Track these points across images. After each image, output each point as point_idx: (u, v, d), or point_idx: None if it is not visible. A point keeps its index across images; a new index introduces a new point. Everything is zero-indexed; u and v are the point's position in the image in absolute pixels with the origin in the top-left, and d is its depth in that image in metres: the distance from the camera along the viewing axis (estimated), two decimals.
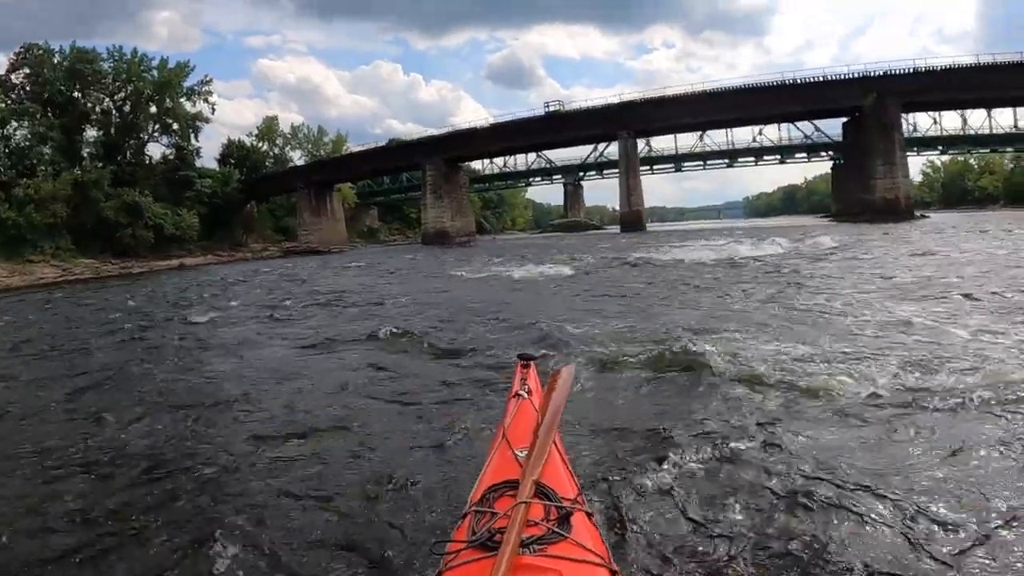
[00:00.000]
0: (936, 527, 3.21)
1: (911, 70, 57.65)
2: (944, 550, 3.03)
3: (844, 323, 8.85)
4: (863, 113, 58.41)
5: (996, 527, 3.18)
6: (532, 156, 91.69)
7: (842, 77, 59.10)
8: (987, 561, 2.95)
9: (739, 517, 3.46)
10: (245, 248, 70.01)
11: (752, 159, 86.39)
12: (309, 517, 3.92)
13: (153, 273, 45.10)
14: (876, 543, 3.13)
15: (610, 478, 4.03)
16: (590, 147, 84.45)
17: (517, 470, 2.44)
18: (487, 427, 4.96)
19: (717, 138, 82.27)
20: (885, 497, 3.52)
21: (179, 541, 3.69)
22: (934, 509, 3.36)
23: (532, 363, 3.79)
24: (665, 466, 4.12)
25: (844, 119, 66.34)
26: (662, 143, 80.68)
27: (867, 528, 3.26)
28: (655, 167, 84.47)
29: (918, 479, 3.74)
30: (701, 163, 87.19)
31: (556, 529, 2.05)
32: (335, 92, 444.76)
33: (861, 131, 59.20)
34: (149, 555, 3.58)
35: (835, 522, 3.32)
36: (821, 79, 59.60)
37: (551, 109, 69.26)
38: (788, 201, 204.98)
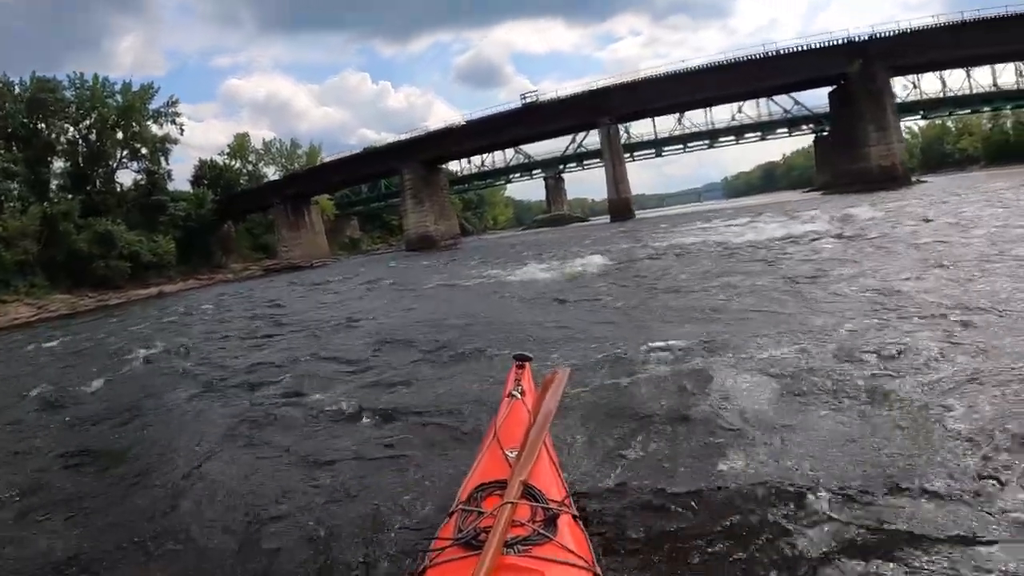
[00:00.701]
0: None
1: (896, 32, 55.96)
2: None
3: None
4: (849, 80, 56.93)
5: None
6: (511, 153, 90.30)
7: (825, 45, 57.31)
8: None
9: (728, 524, 3.36)
10: (225, 269, 68.57)
11: (733, 138, 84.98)
12: (293, 513, 4.00)
13: (130, 304, 43.49)
14: (877, 552, 2.98)
15: (599, 481, 4.01)
16: (568, 139, 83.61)
17: (506, 470, 2.51)
18: (479, 425, 4.97)
19: (696, 119, 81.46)
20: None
21: (174, 539, 3.84)
22: None
23: (527, 363, 3.90)
24: (656, 472, 4.06)
25: (829, 88, 64.60)
26: (641, 128, 79.43)
27: (866, 536, 3.12)
28: (635, 154, 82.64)
29: None
30: (681, 146, 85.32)
31: (541, 531, 2.13)
32: (304, 106, 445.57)
33: (849, 99, 57.61)
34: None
35: (829, 527, 3.23)
36: (803, 48, 57.78)
37: (527, 101, 67.17)
38: (767, 179, 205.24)
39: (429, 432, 5.39)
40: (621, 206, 63.44)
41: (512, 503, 2.16)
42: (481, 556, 1.85)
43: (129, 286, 53.41)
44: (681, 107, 71.93)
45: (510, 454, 2.70)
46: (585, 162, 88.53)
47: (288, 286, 31.40)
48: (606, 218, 67.68)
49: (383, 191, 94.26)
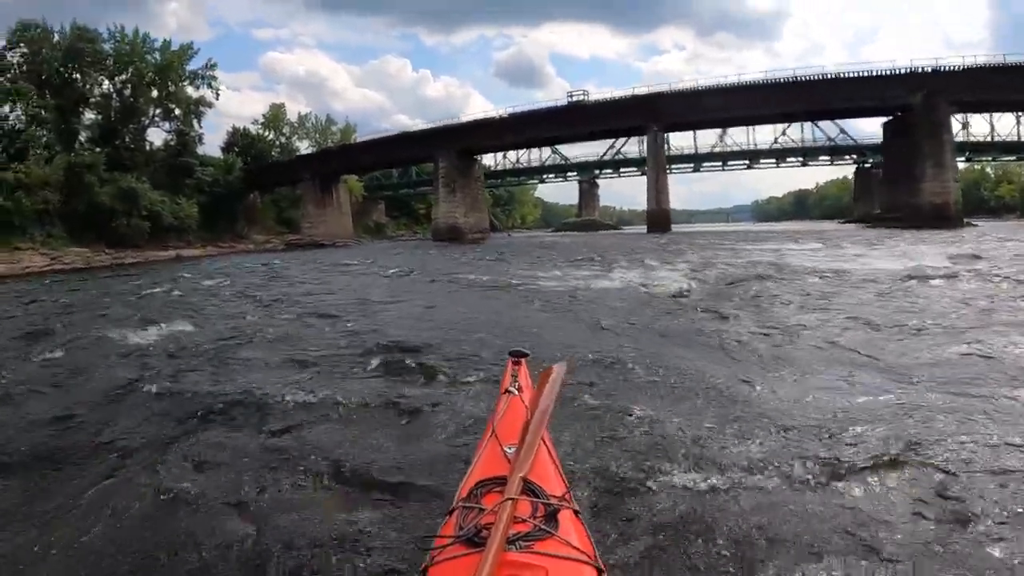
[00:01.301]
0: None
1: (962, 68, 53.98)
2: None
3: None
4: (910, 112, 54.80)
5: None
6: (546, 152, 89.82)
7: (888, 73, 55.32)
8: None
9: (731, 518, 3.45)
10: (247, 240, 67.41)
11: (774, 161, 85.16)
12: (293, 511, 3.91)
13: (147, 264, 42.45)
14: (872, 550, 3.11)
15: (599, 476, 4.06)
16: (606, 145, 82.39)
17: (506, 466, 2.48)
18: (477, 422, 4.99)
19: (738, 138, 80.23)
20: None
21: (171, 536, 3.72)
22: None
23: (524, 359, 3.76)
24: (656, 466, 4.13)
25: (884, 119, 62.74)
26: (680, 141, 77.70)
27: (863, 536, 3.23)
28: (673, 167, 79.88)
29: None
30: (720, 163, 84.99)
31: (543, 526, 2.10)
32: (343, 86, 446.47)
33: (905, 132, 55.53)
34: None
35: (829, 523, 3.36)
36: (865, 75, 55.77)
37: (574, 99, 65.27)
38: (798, 206, 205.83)
39: (428, 431, 5.30)
40: (660, 218, 61.75)
41: (513, 499, 2.11)
42: (484, 553, 1.82)
43: (148, 246, 51.96)
44: (732, 122, 70.32)
45: (509, 450, 2.65)
46: (622, 170, 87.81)
47: (307, 265, 29.62)
48: (639, 228, 66.42)
49: (414, 178, 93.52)
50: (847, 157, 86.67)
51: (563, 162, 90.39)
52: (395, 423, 5.56)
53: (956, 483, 3.89)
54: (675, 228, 64.98)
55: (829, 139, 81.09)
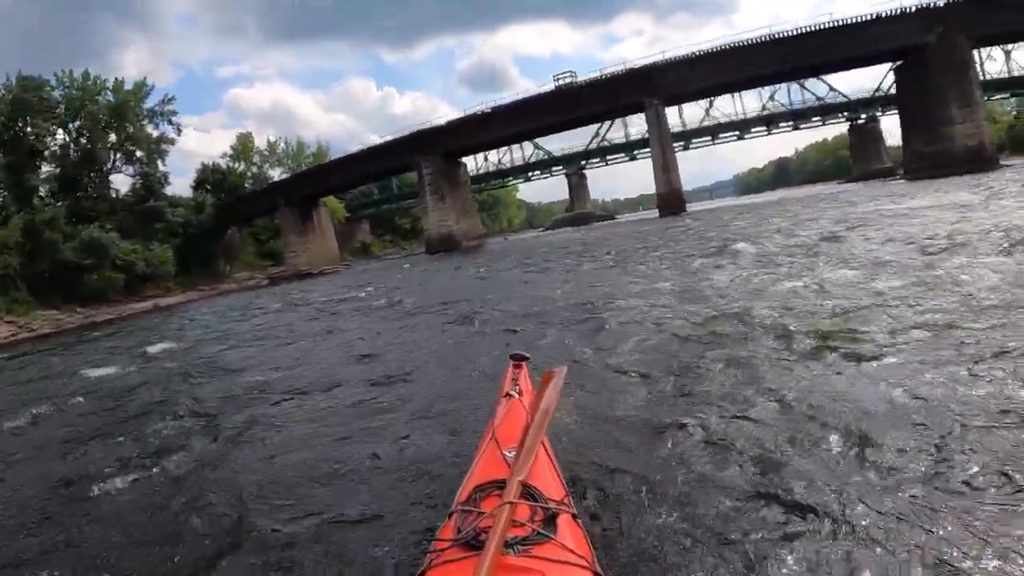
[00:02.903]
0: None
1: None
2: None
3: None
4: (925, 53, 49.83)
5: None
6: (528, 150, 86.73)
7: (895, 13, 50.27)
8: None
9: (730, 523, 3.40)
10: (228, 279, 63.81)
11: (764, 128, 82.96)
12: (293, 514, 4.03)
13: (121, 320, 38.69)
14: (886, 553, 2.99)
15: (598, 481, 4.05)
16: (589, 135, 79.93)
17: (505, 470, 2.53)
18: (476, 425, 4.89)
19: (725, 109, 78.09)
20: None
21: (170, 537, 3.95)
22: None
23: (524, 363, 3.93)
24: (654, 470, 4.11)
25: (893, 64, 58.77)
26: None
27: (866, 542, 3.10)
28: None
29: None
30: (710, 137, 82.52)
31: (541, 530, 2.14)
32: (310, 113, 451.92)
33: (923, 74, 50.71)
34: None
35: (829, 527, 3.25)
36: (871, 17, 50.59)
37: (561, 83, 60.11)
38: (780, 175, 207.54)
39: (427, 433, 5.41)
40: (672, 198, 56.74)
41: (511, 503, 2.16)
42: (481, 557, 1.85)
43: (124, 299, 48.83)
44: (734, 86, 65.82)
45: (508, 454, 2.69)
46: (609, 157, 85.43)
47: (279, 309, 24.07)
48: (646, 213, 62.46)
49: (395, 192, 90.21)
50: (840, 115, 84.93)
51: (547, 157, 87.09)
52: (394, 425, 5.69)
53: None
54: (690, 207, 60.80)
55: (818, 99, 79.19)
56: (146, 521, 4.39)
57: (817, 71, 62.14)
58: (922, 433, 4.12)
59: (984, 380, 4.88)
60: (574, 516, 2.41)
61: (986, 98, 57.46)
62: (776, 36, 52.87)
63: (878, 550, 2.99)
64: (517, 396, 3.43)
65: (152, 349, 15.86)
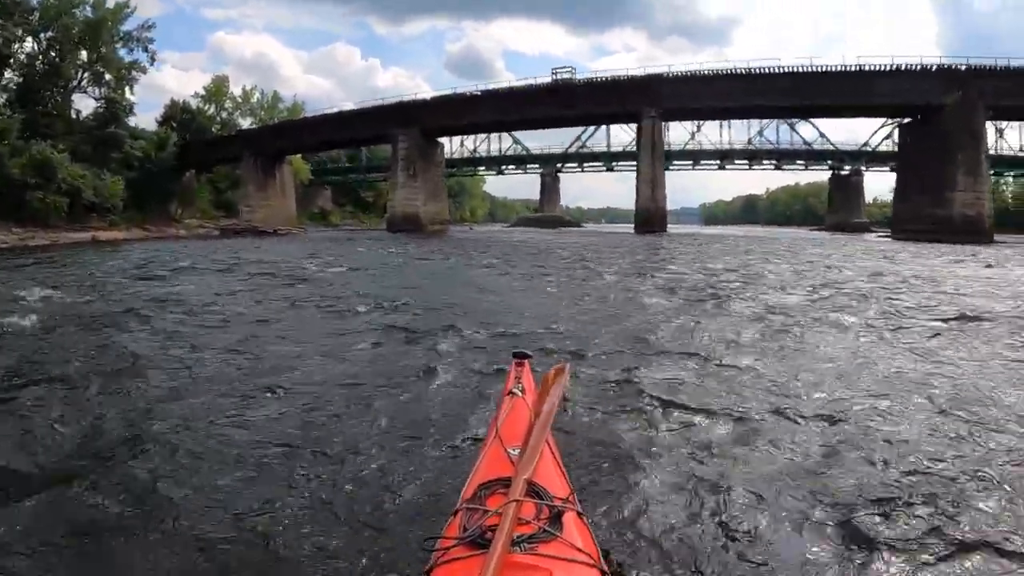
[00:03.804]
0: None
1: (1005, 68, 47.82)
2: None
3: None
4: (938, 113, 48.73)
5: None
6: (506, 142, 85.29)
7: (916, 68, 49.29)
8: None
9: (734, 521, 3.47)
10: (179, 224, 61.20)
11: (747, 162, 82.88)
12: (295, 512, 3.88)
13: (55, 247, 36.23)
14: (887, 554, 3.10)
15: (603, 478, 4.07)
16: (571, 137, 78.56)
17: (510, 468, 2.53)
18: (480, 424, 5.02)
19: (711, 136, 77.44)
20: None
21: (172, 537, 3.64)
22: None
23: (527, 360, 3.90)
24: (660, 468, 4.16)
25: (902, 121, 57.35)
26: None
27: (868, 543, 3.21)
28: (617, 164, 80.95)
29: None
30: (692, 162, 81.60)
31: (547, 528, 2.13)
32: (291, 72, 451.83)
33: (932, 135, 49.47)
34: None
35: (831, 525, 3.37)
36: (893, 68, 49.50)
37: (559, 78, 57.75)
38: (747, 211, 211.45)
39: (431, 432, 5.16)
40: (654, 215, 55.14)
41: (517, 501, 2.16)
42: (488, 554, 1.85)
43: (64, 226, 45.91)
44: (736, 113, 64.13)
45: (513, 452, 2.70)
46: (586, 165, 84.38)
47: (235, 264, 21.81)
48: (614, 226, 61.02)
49: (364, 163, 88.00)
50: (824, 163, 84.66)
51: (526, 153, 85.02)
52: (400, 423, 5.41)
53: None
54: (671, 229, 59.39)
55: (806, 143, 78.57)
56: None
57: (828, 112, 60.66)
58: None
59: None
60: (580, 514, 2.37)
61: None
62: (792, 70, 51.49)
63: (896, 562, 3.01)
64: (520, 394, 3.37)
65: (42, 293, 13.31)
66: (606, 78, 56.44)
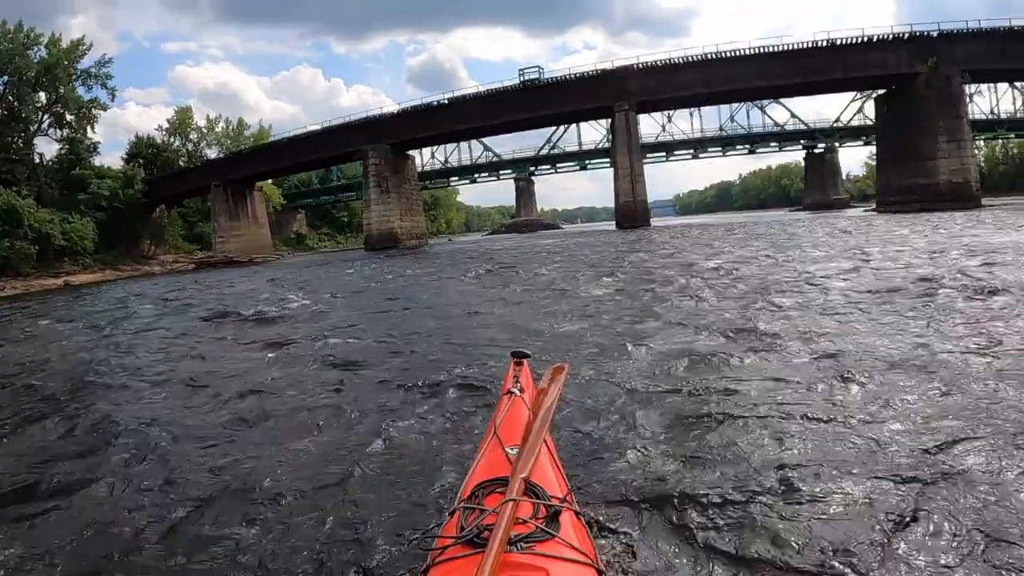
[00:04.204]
0: None
1: (977, 31, 47.62)
2: None
3: None
4: (913, 83, 48.36)
5: None
6: (477, 151, 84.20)
7: (887, 37, 48.90)
8: None
9: (732, 520, 3.38)
10: (153, 261, 60.30)
11: (720, 149, 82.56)
12: (293, 512, 3.95)
13: (28, 296, 35.46)
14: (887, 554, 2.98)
15: (601, 477, 4.02)
16: (541, 140, 78.20)
17: (507, 467, 2.53)
18: (479, 423, 5.10)
19: (682, 126, 77.31)
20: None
21: (172, 536, 3.78)
22: None
23: (525, 360, 3.83)
24: (659, 468, 4.11)
25: (872, 94, 57.66)
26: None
27: (875, 538, 3.10)
28: (590, 162, 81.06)
29: None
30: (664, 154, 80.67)
31: (544, 527, 2.13)
32: (255, 98, 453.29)
33: (910, 105, 48.97)
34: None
35: (830, 521, 3.28)
36: (863, 40, 49.07)
37: (527, 78, 56.55)
38: (721, 198, 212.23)
39: (429, 431, 5.27)
40: (637, 210, 54.01)
41: (514, 500, 2.17)
42: (485, 554, 1.86)
43: (37, 273, 45.35)
44: (711, 99, 63.03)
45: (510, 451, 2.69)
46: (559, 165, 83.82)
47: (194, 303, 19.77)
48: (592, 225, 60.24)
49: (336, 182, 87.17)
50: (798, 143, 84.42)
51: (497, 159, 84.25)
52: (396, 424, 5.48)
53: None
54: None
55: (777, 125, 78.37)
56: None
57: (800, 91, 59.95)
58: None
59: None
60: (577, 513, 2.38)
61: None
62: (762, 51, 50.99)
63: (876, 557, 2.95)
64: (519, 394, 3.28)
65: None
66: (575, 74, 55.53)
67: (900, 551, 2.95)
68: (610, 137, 59.14)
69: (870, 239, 22.26)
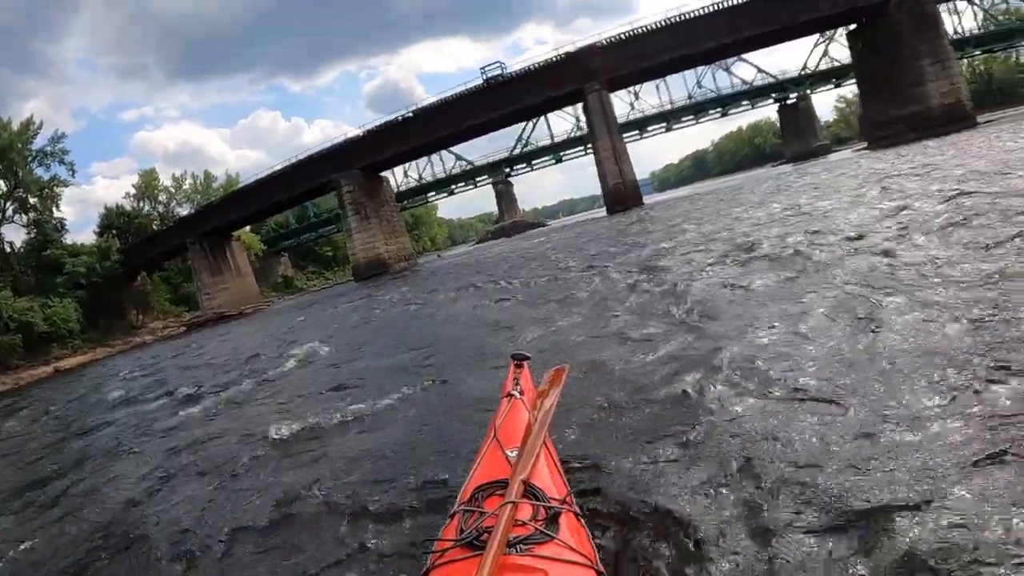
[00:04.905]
0: None
1: None
2: None
3: None
4: (886, 10, 46.92)
5: None
6: (450, 162, 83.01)
7: None
8: None
9: (731, 521, 3.31)
10: (143, 330, 59.05)
11: (692, 117, 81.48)
12: (294, 514, 4.18)
13: (19, 390, 34.07)
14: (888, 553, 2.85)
15: (600, 479, 4.03)
16: (512, 140, 77.17)
17: (507, 470, 2.54)
18: (478, 425, 5.01)
19: (651, 100, 76.58)
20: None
21: (172, 536, 4.21)
22: None
23: (525, 363, 3.99)
24: (656, 469, 4.05)
25: (848, 28, 54.82)
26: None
27: (876, 537, 2.96)
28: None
29: None
30: (638, 132, 79.20)
31: (543, 530, 2.14)
32: (219, 150, 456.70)
33: (887, 35, 47.67)
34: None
35: (832, 525, 3.12)
36: None
37: (489, 76, 54.35)
38: (698, 167, 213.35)
39: (428, 434, 5.46)
40: (628, 191, 52.13)
41: (513, 503, 2.17)
42: (484, 556, 1.87)
43: (26, 364, 44.30)
44: (679, 63, 59.62)
45: (510, 454, 2.69)
46: (535, 161, 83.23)
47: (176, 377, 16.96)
48: (575, 217, 58.84)
49: (313, 218, 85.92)
50: (769, 97, 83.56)
51: (470, 167, 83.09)
52: (397, 426, 5.78)
53: None
54: (646, 201, 56.85)
55: (745, 83, 78.89)
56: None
57: (767, 40, 57.18)
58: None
59: None
60: (576, 515, 2.39)
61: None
62: (725, 5, 49.48)
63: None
64: (519, 396, 3.36)
65: None
66: (539, 63, 53.87)
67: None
68: (583, 123, 57.97)
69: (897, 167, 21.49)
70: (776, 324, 6.66)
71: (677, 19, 50.10)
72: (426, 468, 4.85)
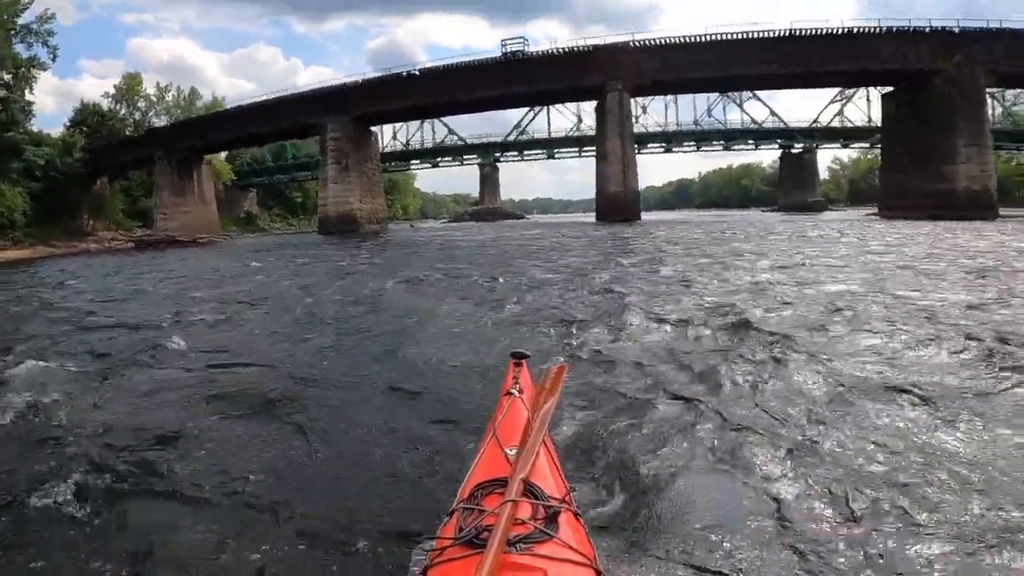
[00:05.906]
0: None
1: (1002, 30, 44.93)
2: None
3: None
4: (931, 80, 45.29)
5: None
6: (440, 133, 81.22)
7: (909, 29, 45.93)
8: None
9: (731, 520, 3.32)
10: (91, 237, 56.24)
11: (694, 144, 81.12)
12: (291, 511, 3.81)
13: None
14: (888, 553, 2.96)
15: (600, 478, 3.96)
16: (508, 126, 75.76)
17: (506, 468, 2.51)
18: (477, 424, 4.58)
19: (658, 118, 76.01)
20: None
21: (170, 536, 3.65)
22: None
23: (525, 361, 3.72)
24: (657, 468, 3.97)
25: (885, 89, 53.88)
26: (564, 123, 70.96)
27: (865, 536, 3.09)
28: (557, 151, 79.65)
29: None
30: (637, 146, 77.15)
31: (543, 528, 2.12)
32: (212, 75, 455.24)
33: (926, 103, 45.81)
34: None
35: (834, 524, 3.22)
36: (884, 31, 46.27)
37: (510, 50, 52.13)
38: (680, 195, 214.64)
39: (427, 431, 5.06)
40: (627, 201, 50.33)
41: (513, 501, 2.16)
42: (483, 555, 1.86)
43: None
44: (714, 84, 59.08)
45: (509, 452, 2.65)
46: (527, 152, 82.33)
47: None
48: (557, 217, 57.06)
49: (290, 160, 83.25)
50: (774, 142, 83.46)
51: (462, 143, 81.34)
52: (396, 424, 5.29)
53: None
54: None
55: (755, 122, 77.60)
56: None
57: (807, 81, 56.53)
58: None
59: None
60: (576, 514, 2.38)
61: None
62: (784, 33, 47.90)
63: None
64: (518, 394, 3.20)
65: None
66: (564, 49, 51.77)
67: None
68: (584, 125, 56.20)
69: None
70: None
71: (714, 37, 48.40)
72: (423, 466, 4.57)
